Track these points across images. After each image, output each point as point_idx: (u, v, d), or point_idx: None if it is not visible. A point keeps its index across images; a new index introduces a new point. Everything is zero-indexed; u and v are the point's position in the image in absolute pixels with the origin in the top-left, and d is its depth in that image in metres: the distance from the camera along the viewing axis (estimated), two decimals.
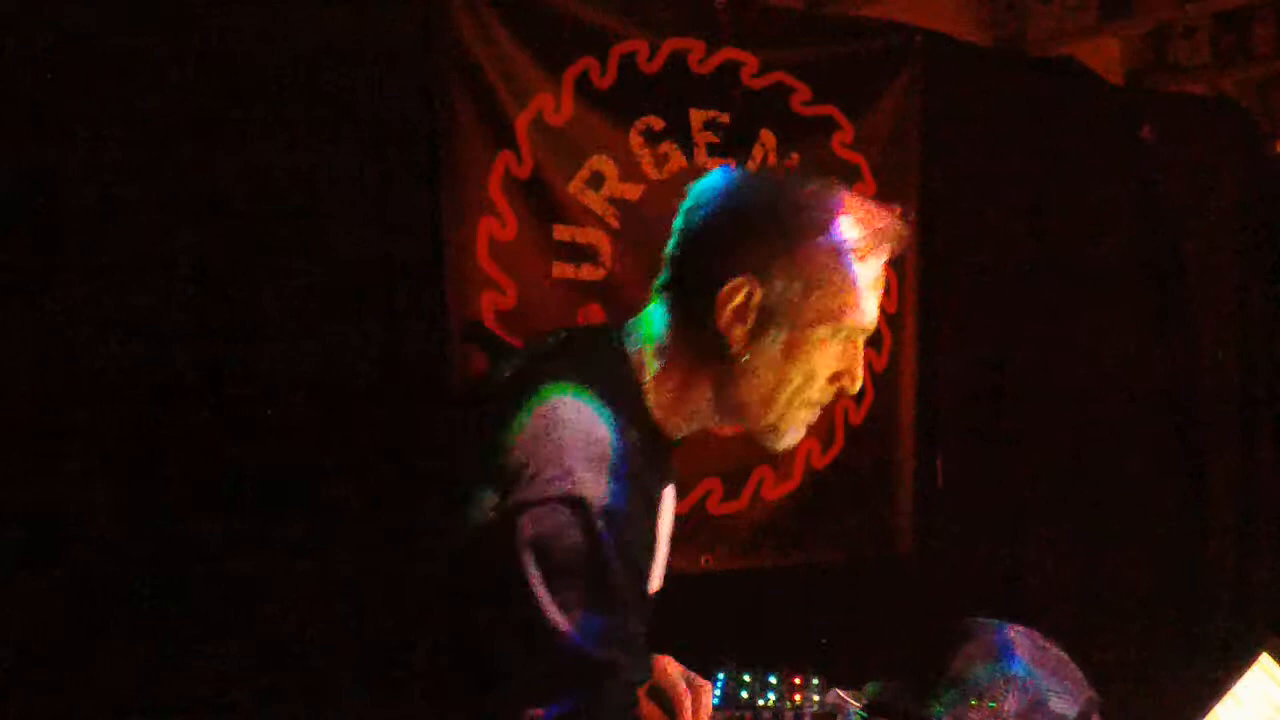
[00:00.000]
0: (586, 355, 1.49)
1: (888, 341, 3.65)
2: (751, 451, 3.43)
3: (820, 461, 3.56)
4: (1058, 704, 1.61)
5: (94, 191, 2.44)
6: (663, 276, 1.52)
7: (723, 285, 1.43)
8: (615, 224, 3.16)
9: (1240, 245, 4.63)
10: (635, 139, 3.19)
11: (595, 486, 1.31)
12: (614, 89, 3.14)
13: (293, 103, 2.65)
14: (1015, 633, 1.68)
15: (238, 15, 2.59)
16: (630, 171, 3.18)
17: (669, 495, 1.57)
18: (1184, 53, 4.42)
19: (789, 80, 3.44)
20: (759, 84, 3.40)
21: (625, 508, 1.34)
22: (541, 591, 1.27)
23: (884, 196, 3.57)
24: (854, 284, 1.46)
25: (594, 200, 3.13)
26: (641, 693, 1.61)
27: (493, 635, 1.31)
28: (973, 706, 1.59)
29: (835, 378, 1.51)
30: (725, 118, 3.33)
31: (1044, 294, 4.03)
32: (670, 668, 1.65)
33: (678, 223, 1.52)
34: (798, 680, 1.83)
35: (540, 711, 1.26)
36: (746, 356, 1.45)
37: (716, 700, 1.76)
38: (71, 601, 2.40)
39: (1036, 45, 4.08)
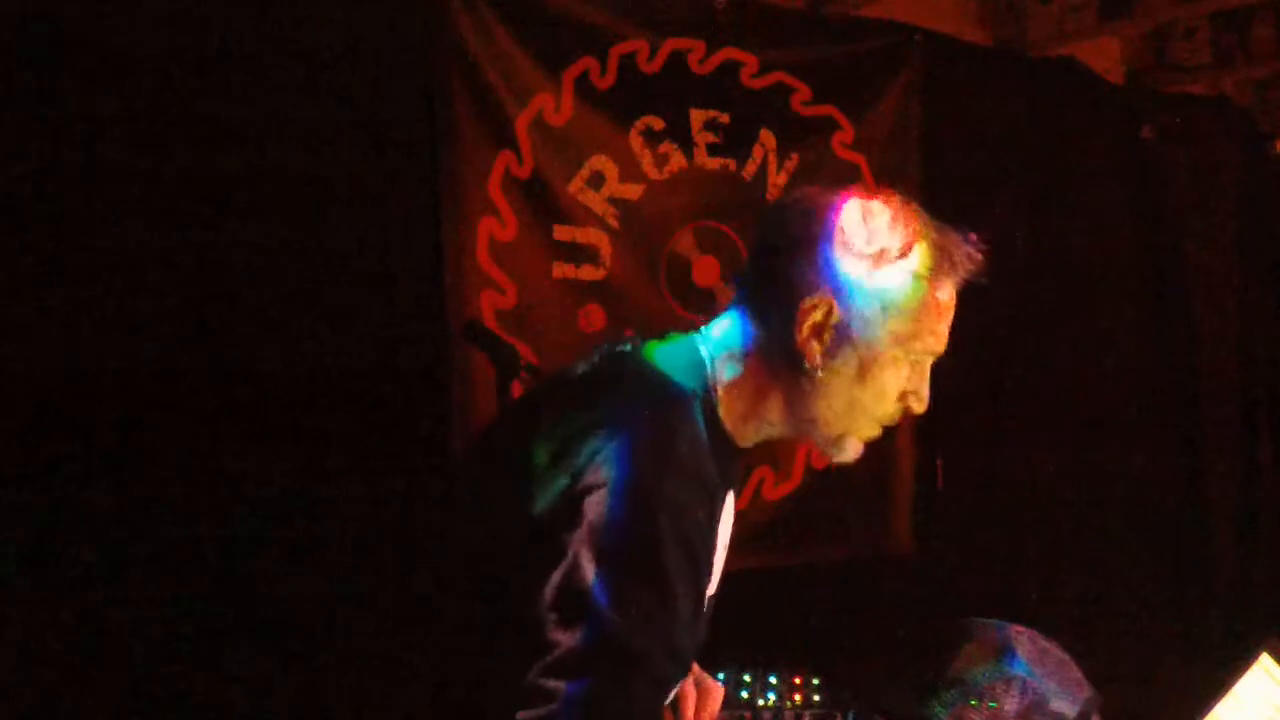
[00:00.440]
0: (665, 356, 1.52)
1: None
2: (751, 451, 3.42)
3: (820, 461, 3.53)
4: (1058, 704, 1.61)
5: (94, 191, 2.44)
6: (744, 287, 1.55)
7: (803, 301, 1.47)
8: (615, 224, 3.16)
9: (1240, 245, 4.63)
10: (635, 139, 3.19)
11: (660, 478, 1.33)
12: (614, 89, 3.14)
13: (293, 103, 2.65)
14: (1015, 633, 1.68)
15: (238, 15, 2.59)
16: (630, 171, 3.18)
17: (730, 502, 1.59)
18: (1184, 53, 4.41)
19: (789, 80, 3.44)
20: (759, 84, 3.40)
21: (689, 503, 1.36)
22: (593, 573, 1.28)
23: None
24: (929, 309, 1.51)
25: (594, 200, 3.13)
26: None
27: (537, 608, 1.31)
28: (973, 706, 1.59)
29: (903, 397, 1.55)
30: (725, 118, 3.32)
31: (1044, 294, 4.03)
32: None
33: (760, 235, 1.56)
34: (798, 680, 1.83)
35: (561, 684, 1.26)
36: (821, 372, 1.48)
37: None
38: (71, 602, 2.40)
39: (1036, 45, 4.07)
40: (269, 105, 2.62)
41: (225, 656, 2.52)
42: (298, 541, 2.59)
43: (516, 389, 2.13)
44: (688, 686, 1.62)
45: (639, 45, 3.18)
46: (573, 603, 1.29)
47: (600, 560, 1.29)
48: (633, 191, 3.19)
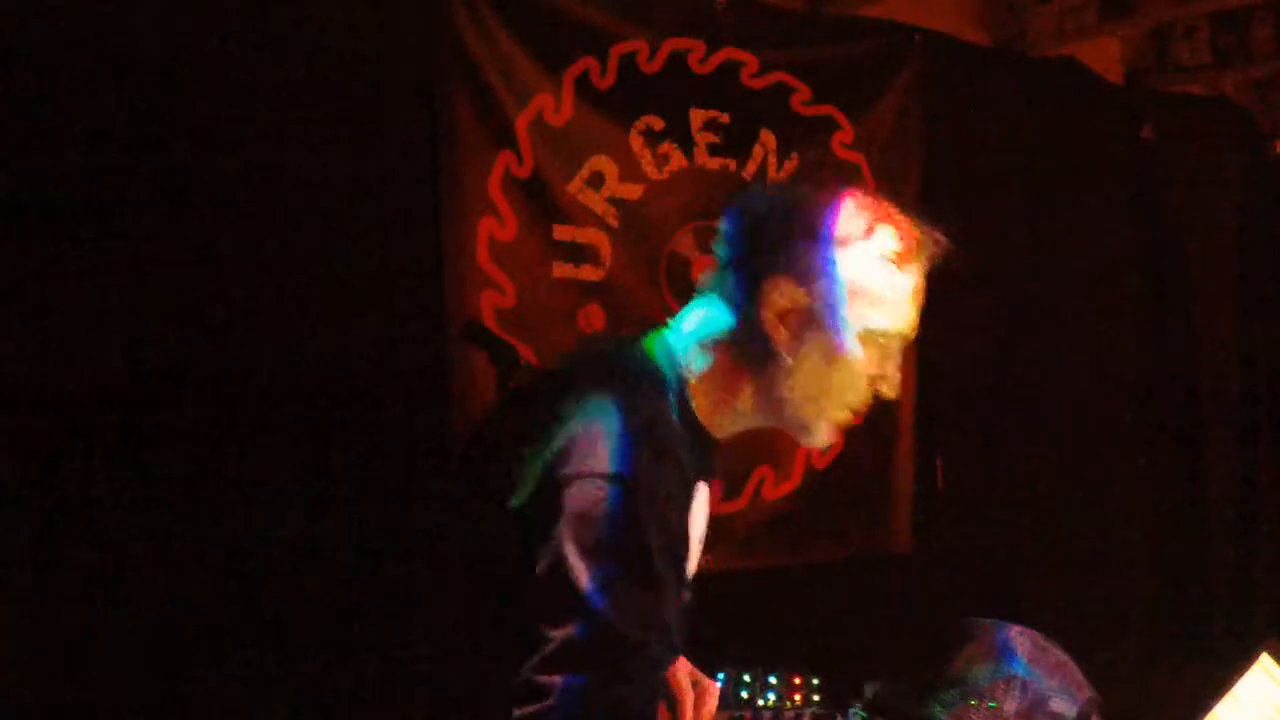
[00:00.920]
0: (640, 351, 1.53)
1: None
2: (751, 451, 3.44)
3: (820, 461, 3.55)
4: (1058, 704, 1.61)
5: (94, 191, 2.44)
6: (711, 277, 1.57)
7: (770, 288, 1.48)
8: (615, 224, 3.16)
9: (1240, 245, 4.63)
10: (635, 139, 3.19)
11: (637, 465, 1.34)
12: (614, 89, 3.14)
13: (293, 103, 2.65)
14: (1015, 633, 1.68)
15: (237, 15, 2.59)
16: (630, 171, 3.18)
17: (704, 492, 1.59)
18: (1184, 53, 4.41)
19: (789, 80, 3.44)
20: (759, 84, 3.40)
21: (665, 488, 1.38)
22: (579, 564, 1.30)
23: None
24: (895, 293, 1.52)
25: (594, 200, 3.13)
26: None
27: (528, 602, 1.32)
28: (973, 706, 1.59)
29: (872, 382, 1.56)
30: (725, 118, 3.32)
31: (1044, 294, 4.03)
32: (680, 666, 1.65)
33: (726, 226, 1.58)
34: (798, 680, 1.83)
35: (558, 679, 1.27)
36: (789, 358, 1.49)
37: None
38: (71, 601, 2.40)
39: (1036, 45, 4.07)
40: (269, 105, 2.62)
41: (225, 656, 2.52)
42: (297, 541, 2.59)
43: None
44: (685, 686, 1.62)
45: (639, 45, 3.18)
46: (561, 595, 1.30)
47: (584, 549, 1.30)
48: (633, 191, 3.19)
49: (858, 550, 3.64)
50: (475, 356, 2.84)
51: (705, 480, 1.57)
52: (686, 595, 1.51)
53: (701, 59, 3.29)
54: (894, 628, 3.41)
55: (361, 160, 2.75)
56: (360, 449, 2.70)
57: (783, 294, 1.48)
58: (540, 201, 3.05)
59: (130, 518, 2.46)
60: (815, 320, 1.49)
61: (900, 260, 1.52)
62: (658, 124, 3.21)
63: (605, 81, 3.13)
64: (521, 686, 1.28)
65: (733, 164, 3.35)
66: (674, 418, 1.45)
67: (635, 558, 1.33)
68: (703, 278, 1.59)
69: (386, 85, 2.79)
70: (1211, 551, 4.54)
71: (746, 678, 1.83)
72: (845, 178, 1.39)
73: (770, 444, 3.45)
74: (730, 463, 3.36)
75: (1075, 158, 4.11)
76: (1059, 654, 1.69)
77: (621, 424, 1.37)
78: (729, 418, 1.56)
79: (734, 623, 3.08)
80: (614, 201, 3.15)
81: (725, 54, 3.33)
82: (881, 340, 1.53)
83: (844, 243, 1.50)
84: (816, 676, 1.85)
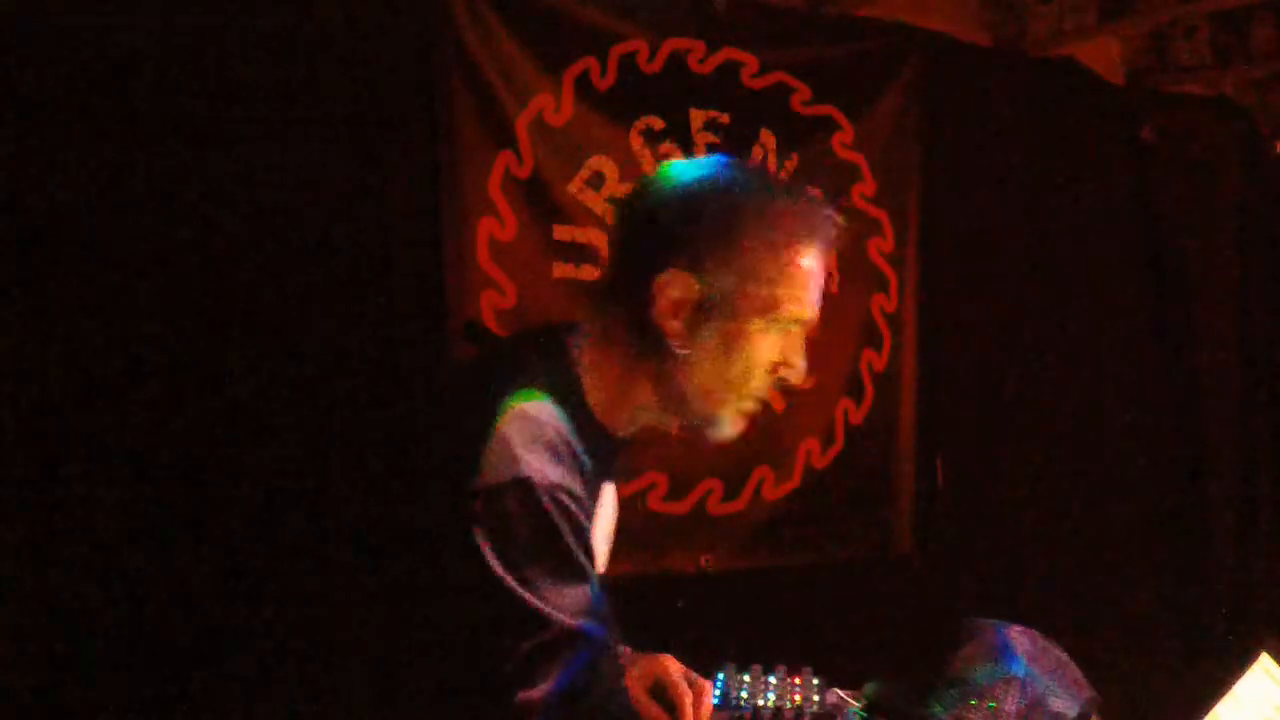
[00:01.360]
0: (531, 355, 1.50)
1: (888, 341, 3.65)
2: (751, 451, 3.44)
3: (820, 461, 3.56)
4: (1058, 704, 1.61)
5: (93, 191, 2.44)
6: (604, 273, 1.55)
7: (659, 280, 1.44)
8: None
9: (1240, 245, 4.63)
10: (635, 139, 3.19)
11: (539, 467, 1.33)
12: (614, 89, 3.14)
13: (293, 103, 2.65)
14: (1015, 633, 1.67)
15: (237, 15, 2.59)
16: (630, 171, 3.17)
17: (610, 493, 1.58)
18: (1184, 53, 4.42)
19: (789, 80, 3.44)
20: (759, 84, 3.40)
21: (570, 487, 1.36)
22: (506, 573, 1.30)
23: (884, 196, 3.63)
24: (790, 275, 1.47)
25: (594, 200, 3.13)
26: (643, 692, 1.62)
27: (473, 625, 1.33)
28: (973, 706, 1.58)
29: (775, 369, 1.52)
30: (725, 118, 3.32)
31: (1044, 294, 4.03)
32: (671, 667, 1.65)
33: (617, 219, 1.55)
34: (798, 680, 1.83)
35: (537, 694, 1.27)
36: (685, 349, 1.46)
37: (716, 700, 1.75)
38: (71, 602, 2.40)
39: (1036, 45, 4.08)
40: (269, 105, 2.62)
41: (224, 656, 2.52)
42: (297, 542, 2.59)
43: None
44: (683, 686, 1.62)
45: (639, 45, 3.18)
46: (505, 611, 1.30)
47: (507, 559, 1.30)
48: None
49: (858, 550, 3.64)
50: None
51: (608, 480, 1.55)
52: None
53: (701, 59, 3.29)
54: (894, 628, 3.41)
55: (361, 160, 2.75)
56: (360, 449, 2.70)
57: (675, 285, 1.44)
58: (540, 201, 3.05)
59: (130, 518, 2.46)
60: (710, 310, 1.45)
61: (794, 243, 1.47)
62: (658, 124, 3.21)
63: (605, 81, 3.13)
64: (504, 704, 1.28)
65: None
66: (566, 421, 1.41)
67: (555, 556, 1.33)
68: (602, 273, 1.55)
69: (386, 85, 2.79)
70: (1211, 551, 4.54)
71: (746, 678, 1.83)
72: (738, 161, 1.36)
73: (770, 444, 3.46)
74: (729, 464, 3.38)
75: (1075, 158, 4.11)
76: (1059, 654, 1.68)
77: (517, 433, 1.35)
78: (629, 414, 1.52)
79: (734, 623, 3.09)
80: (614, 201, 3.15)
81: (725, 54, 3.33)
82: (781, 326, 1.49)
83: (736, 228, 1.45)
84: (816, 676, 1.85)
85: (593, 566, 1.42)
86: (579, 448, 1.40)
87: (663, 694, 1.63)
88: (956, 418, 3.82)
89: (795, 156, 3.45)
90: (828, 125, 3.53)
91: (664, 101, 3.22)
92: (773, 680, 1.83)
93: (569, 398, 1.45)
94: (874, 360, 3.63)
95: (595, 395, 1.49)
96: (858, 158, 3.58)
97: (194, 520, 2.51)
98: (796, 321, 1.51)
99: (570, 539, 1.35)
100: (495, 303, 2.98)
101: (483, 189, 2.95)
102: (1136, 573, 4.32)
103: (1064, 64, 4.08)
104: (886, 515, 3.71)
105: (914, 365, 3.71)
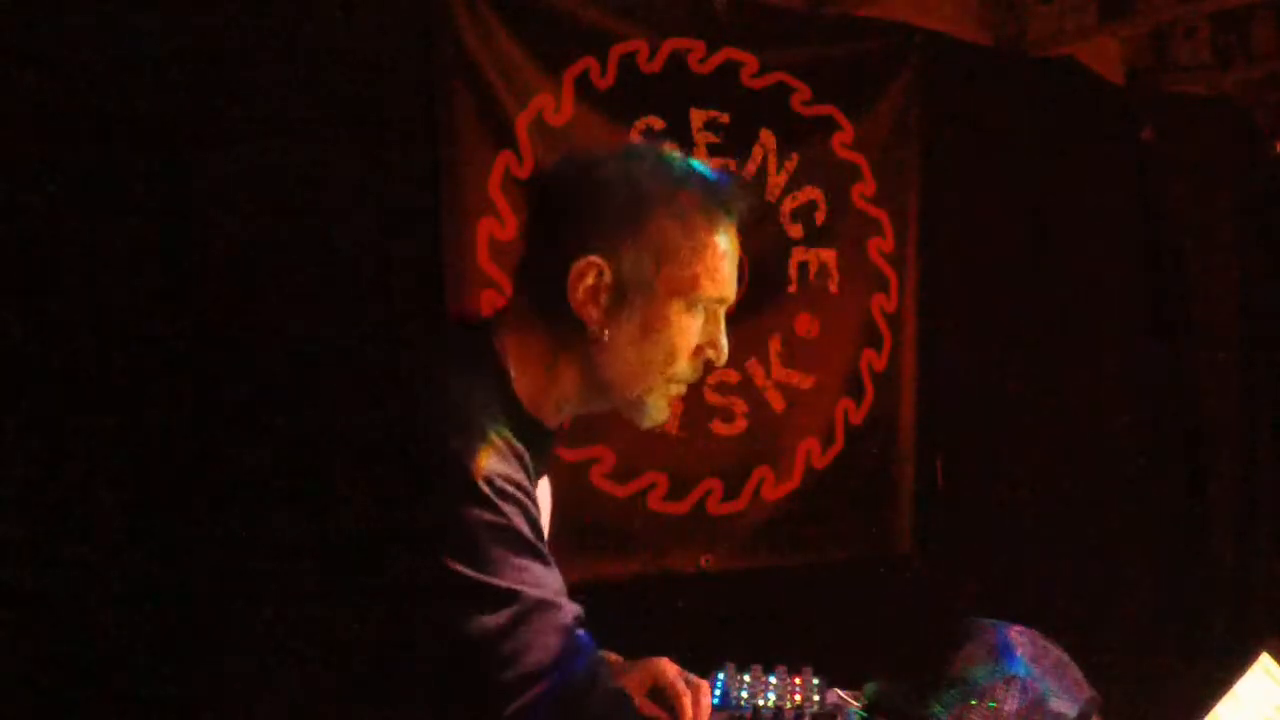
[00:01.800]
0: (456, 352, 1.50)
1: (888, 341, 3.65)
2: (751, 451, 3.44)
3: (820, 461, 3.56)
4: (1058, 704, 1.61)
5: (95, 191, 2.44)
6: (521, 262, 1.53)
7: (574, 266, 1.43)
8: None
9: (1240, 245, 4.63)
10: (635, 139, 3.18)
11: (486, 462, 1.33)
12: (614, 89, 3.14)
13: (293, 103, 2.65)
14: (1015, 633, 1.67)
15: (237, 14, 2.59)
16: None
17: (545, 487, 1.58)
18: (1184, 53, 4.41)
19: (789, 80, 3.44)
20: (759, 84, 3.40)
21: (518, 479, 1.36)
22: (468, 569, 1.30)
23: (884, 196, 3.64)
24: (703, 255, 1.47)
25: None
26: (642, 695, 1.62)
27: (441, 620, 1.33)
28: (973, 706, 1.58)
29: (699, 351, 1.51)
30: (725, 118, 3.33)
31: (1044, 294, 4.03)
32: (668, 668, 1.65)
33: (529, 208, 1.53)
34: (798, 680, 1.83)
35: (542, 686, 1.27)
36: (605, 335, 1.45)
37: (716, 700, 1.76)
38: (71, 602, 2.40)
39: (1036, 45, 4.07)
40: (269, 105, 2.62)
41: (224, 655, 2.51)
42: (297, 542, 2.58)
43: None
44: (680, 685, 1.62)
45: (639, 45, 3.18)
46: (465, 593, 1.30)
47: (463, 555, 1.30)
48: None
49: (858, 550, 3.64)
50: None
51: (544, 473, 1.55)
52: None
53: (701, 59, 3.29)
54: (894, 628, 3.41)
55: (361, 160, 2.75)
56: (360, 449, 2.69)
57: (590, 273, 1.43)
58: None
59: (129, 518, 2.46)
60: (627, 295, 1.44)
61: (706, 221, 1.47)
62: (658, 124, 3.21)
63: (605, 81, 3.13)
64: (494, 694, 1.28)
65: (733, 164, 3.35)
66: (500, 414, 1.41)
67: (512, 542, 1.33)
68: (517, 264, 1.54)
69: (386, 85, 2.79)
70: (1211, 551, 4.54)
71: (746, 678, 1.83)
72: (647, 143, 1.34)
73: (770, 444, 3.46)
74: (729, 464, 3.38)
75: (1075, 158, 4.11)
76: (1059, 654, 1.68)
77: (464, 427, 1.35)
78: (556, 404, 1.51)
79: (734, 623, 3.09)
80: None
81: (725, 54, 3.33)
82: (700, 306, 1.48)
83: (645, 209, 1.44)
84: (816, 676, 1.85)
85: (549, 556, 1.41)
86: (516, 442, 1.40)
87: (661, 696, 1.63)
88: (956, 418, 3.82)
89: (795, 156, 3.45)
90: (828, 125, 3.53)
91: (664, 101, 3.22)
92: (773, 680, 1.83)
93: (501, 392, 1.45)
94: (874, 360, 3.63)
95: (523, 387, 1.48)
96: (858, 158, 3.58)
97: (191, 520, 2.51)
98: (715, 300, 1.50)
99: (526, 530, 1.35)
100: (495, 303, 2.97)
101: (483, 189, 2.95)
102: (1136, 573, 4.32)
103: (1064, 64, 4.08)
104: (886, 515, 3.72)
105: (914, 365, 3.71)
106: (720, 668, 1.85)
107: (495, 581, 1.30)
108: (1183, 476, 4.49)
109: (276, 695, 1.53)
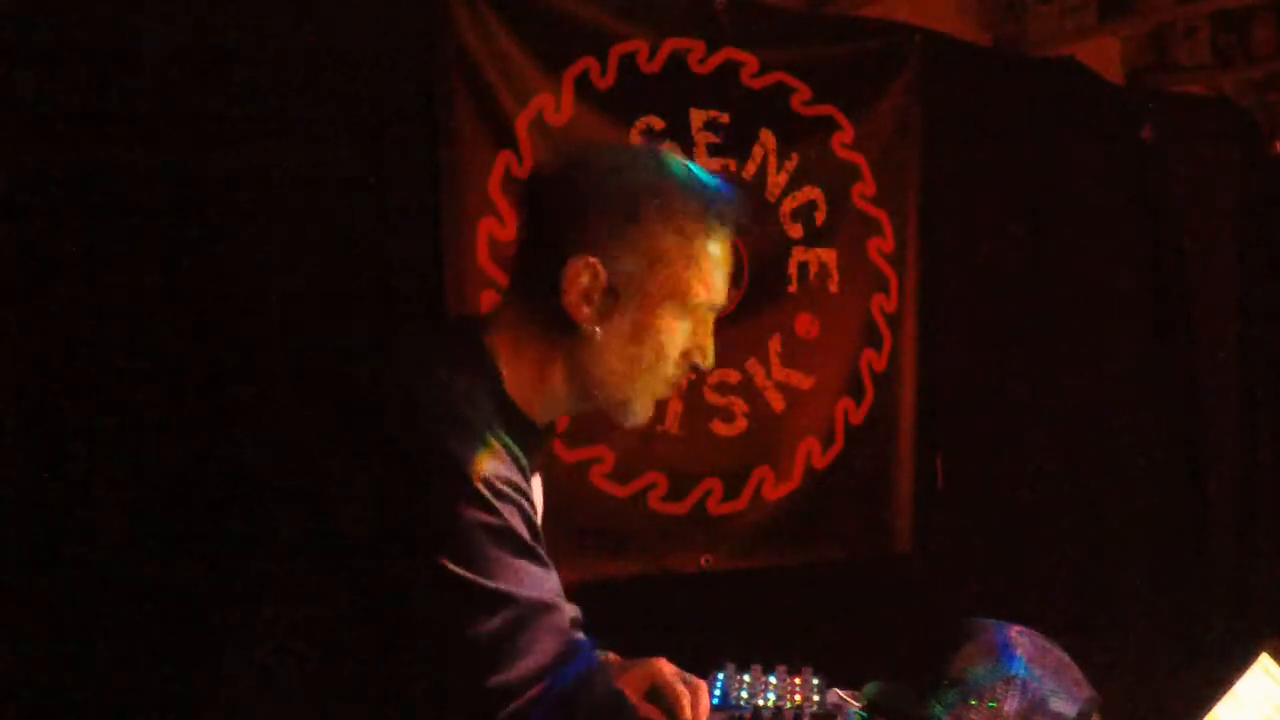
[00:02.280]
0: (447, 347, 1.51)
1: (888, 341, 3.65)
2: (751, 451, 3.44)
3: (820, 461, 3.55)
4: (1058, 704, 1.61)
5: (94, 191, 2.44)
6: (514, 262, 1.55)
7: (568, 266, 1.45)
8: None
9: (1240, 245, 4.63)
10: (635, 139, 3.18)
11: (482, 462, 1.33)
12: (614, 89, 3.14)
13: (293, 102, 2.65)
14: (1015, 633, 1.67)
15: (237, 14, 2.59)
16: None
17: (538, 484, 1.58)
18: (1184, 53, 4.41)
19: (789, 80, 3.44)
20: (759, 84, 3.40)
21: (513, 479, 1.36)
22: (466, 571, 1.29)
23: (884, 196, 3.63)
24: (697, 260, 1.48)
25: None
26: (640, 696, 1.62)
27: (438, 623, 1.32)
28: (973, 706, 1.58)
29: (687, 354, 1.52)
30: (725, 118, 3.32)
31: (1044, 294, 4.03)
32: (666, 668, 1.65)
33: (523, 206, 1.56)
34: (798, 680, 1.83)
35: (538, 689, 1.27)
36: (596, 336, 1.46)
37: (716, 700, 1.76)
38: (71, 602, 2.40)
39: (1036, 45, 4.07)
40: (269, 105, 2.62)
41: (222, 656, 2.51)
42: (296, 542, 2.58)
43: None
44: (679, 685, 1.62)
45: (639, 45, 3.18)
46: (459, 597, 1.29)
47: (467, 563, 1.29)
48: None
49: (858, 550, 3.64)
50: None
51: (536, 471, 1.55)
52: None
53: (701, 59, 3.29)
54: (894, 628, 3.41)
55: (361, 160, 2.75)
56: (360, 449, 2.69)
57: (584, 271, 1.45)
58: None
59: (129, 518, 2.46)
60: (619, 296, 1.46)
61: (701, 227, 1.48)
62: (658, 124, 3.21)
63: (605, 81, 3.13)
64: (480, 697, 1.28)
65: (733, 164, 3.35)
66: (493, 411, 1.41)
67: (509, 543, 1.32)
68: (511, 262, 1.55)
69: (386, 85, 2.79)
70: (1211, 551, 4.54)
71: (746, 678, 1.83)
72: (646, 145, 1.35)
73: (770, 444, 3.46)
74: (729, 464, 3.38)
75: (1075, 158, 4.11)
76: (1059, 654, 1.68)
77: (458, 426, 1.35)
78: (545, 402, 1.52)
79: (734, 623, 3.09)
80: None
81: (725, 54, 3.33)
82: (691, 311, 1.50)
83: (642, 214, 1.46)
84: (816, 676, 1.85)
85: (547, 556, 1.41)
86: (510, 441, 1.40)
87: (659, 697, 1.63)
88: (956, 418, 3.82)
89: (795, 156, 3.45)
90: (828, 125, 3.52)
91: (664, 101, 3.22)
92: (773, 680, 1.83)
93: (493, 392, 1.45)
94: (874, 360, 3.63)
95: (514, 385, 1.49)
96: (858, 158, 3.58)
97: (191, 521, 2.51)
98: (707, 307, 1.51)
99: (524, 532, 1.35)
100: (495, 303, 2.97)
101: (483, 189, 2.95)
102: (1136, 573, 4.32)
103: (1064, 64, 4.08)
104: (886, 515, 3.71)
105: (914, 365, 3.71)
106: (720, 668, 1.85)
107: (493, 584, 1.30)
108: (1183, 477, 4.49)
109: (274, 695, 1.50)
